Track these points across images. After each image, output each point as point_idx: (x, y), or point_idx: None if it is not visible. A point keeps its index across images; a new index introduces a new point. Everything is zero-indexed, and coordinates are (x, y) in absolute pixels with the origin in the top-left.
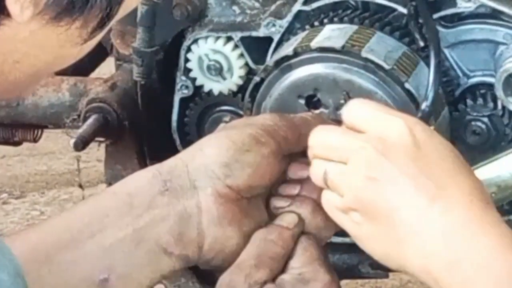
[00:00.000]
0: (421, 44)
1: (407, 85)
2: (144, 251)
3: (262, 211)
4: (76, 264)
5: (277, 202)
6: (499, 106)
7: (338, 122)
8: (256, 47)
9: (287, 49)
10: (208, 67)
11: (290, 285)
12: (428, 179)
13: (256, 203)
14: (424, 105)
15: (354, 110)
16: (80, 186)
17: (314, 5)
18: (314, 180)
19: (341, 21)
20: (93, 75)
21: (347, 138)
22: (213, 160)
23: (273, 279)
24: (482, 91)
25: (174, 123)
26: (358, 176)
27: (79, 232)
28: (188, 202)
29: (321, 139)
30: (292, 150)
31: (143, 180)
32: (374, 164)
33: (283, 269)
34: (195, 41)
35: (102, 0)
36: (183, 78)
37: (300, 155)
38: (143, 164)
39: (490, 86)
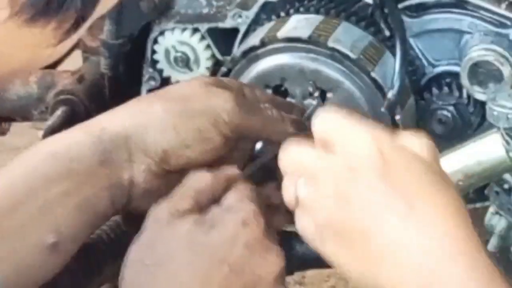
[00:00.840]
0: (387, 33)
1: (373, 74)
2: (85, 216)
3: None
4: (24, 229)
5: None
6: (465, 95)
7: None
8: (223, 38)
9: (254, 39)
10: (175, 59)
11: (214, 214)
12: (399, 196)
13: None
14: (390, 94)
15: (323, 123)
16: None
17: None
18: (286, 201)
19: (307, 11)
20: (61, 67)
21: (315, 158)
22: (153, 145)
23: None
24: (448, 80)
25: None
26: (328, 197)
27: (23, 196)
28: (123, 174)
29: (290, 158)
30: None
31: (83, 146)
32: (344, 185)
33: None
34: (162, 32)
35: (77, 3)
36: (150, 69)
37: None
38: None
39: (456, 75)
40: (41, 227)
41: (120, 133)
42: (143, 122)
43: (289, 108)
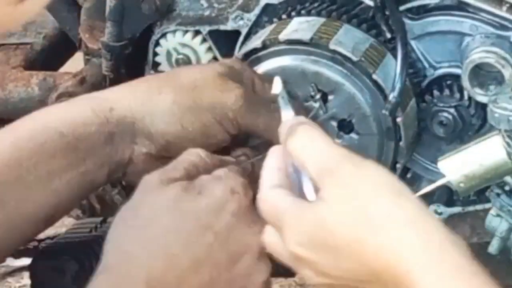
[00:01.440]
0: (388, 36)
1: (374, 77)
2: (82, 187)
3: None
4: (24, 203)
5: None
6: (466, 97)
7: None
8: (224, 41)
9: (255, 42)
10: (177, 61)
11: (202, 181)
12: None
13: None
14: (391, 96)
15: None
16: None
17: None
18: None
19: (308, 13)
20: (62, 69)
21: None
22: (158, 134)
23: None
24: (449, 82)
25: None
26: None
27: (27, 172)
28: (124, 154)
29: (269, 209)
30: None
31: (90, 126)
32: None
33: None
34: (164, 35)
35: None
36: (152, 72)
37: None
38: None
39: (457, 77)
40: (41, 203)
41: (127, 117)
42: (150, 110)
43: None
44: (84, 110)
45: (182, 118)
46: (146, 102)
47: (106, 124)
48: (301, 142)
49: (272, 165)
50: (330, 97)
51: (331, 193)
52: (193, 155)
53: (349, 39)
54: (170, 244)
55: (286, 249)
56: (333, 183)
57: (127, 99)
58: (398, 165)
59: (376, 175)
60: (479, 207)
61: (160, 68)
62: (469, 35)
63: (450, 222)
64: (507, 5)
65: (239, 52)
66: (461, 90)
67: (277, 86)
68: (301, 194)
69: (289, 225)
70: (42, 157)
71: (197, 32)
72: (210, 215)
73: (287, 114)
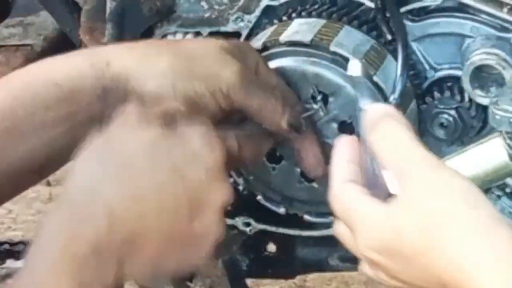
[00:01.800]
0: (389, 37)
1: (375, 78)
2: (75, 140)
3: None
4: (16, 153)
5: None
6: (466, 99)
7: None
8: None
9: (256, 43)
10: None
11: (182, 130)
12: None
13: None
14: (392, 98)
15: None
16: (48, 184)
17: None
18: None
19: (309, 15)
20: None
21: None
22: (149, 95)
23: None
24: (449, 84)
25: None
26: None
27: (22, 122)
28: (115, 111)
29: (344, 208)
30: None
31: (87, 79)
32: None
33: None
34: (164, 36)
35: None
36: None
37: None
38: None
39: (457, 79)
40: (34, 153)
41: (122, 74)
42: (145, 70)
43: (293, 102)
44: (81, 62)
45: (175, 84)
46: (142, 62)
47: (101, 78)
48: (384, 138)
49: (343, 157)
50: (330, 99)
51: (404, 199)
52: (173, 104)
53: (349, 41)
54: (139, 186)
55: (358, 248)
56: (408, 188)
57: (124, 56)
58: None
59: (451, 183)
60: None
61: None
62: (470, 37)
63: None
64: (508, 6)
65: None
66: (461, 92)
67: (355, 69)
68: (377, 186)
69: (360, 227)
70: (37, 107)
71: (197, 34)
72: (184, 165)
73: (365, 101)
